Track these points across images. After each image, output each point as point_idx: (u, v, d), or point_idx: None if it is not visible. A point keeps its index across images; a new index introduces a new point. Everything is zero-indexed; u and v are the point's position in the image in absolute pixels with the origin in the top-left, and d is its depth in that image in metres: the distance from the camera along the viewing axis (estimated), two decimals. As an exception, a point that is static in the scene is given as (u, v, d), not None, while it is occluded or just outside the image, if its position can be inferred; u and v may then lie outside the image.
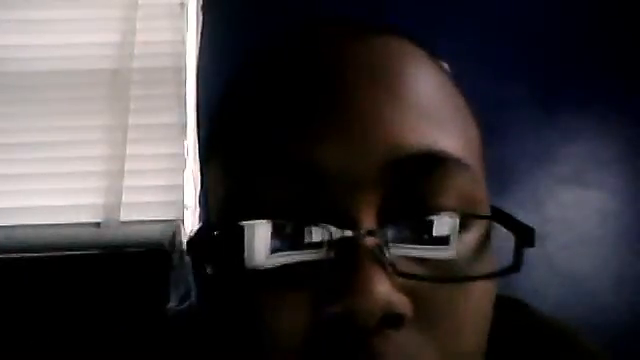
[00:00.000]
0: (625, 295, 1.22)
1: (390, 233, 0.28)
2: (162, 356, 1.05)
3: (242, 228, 0.29)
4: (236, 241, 0.29)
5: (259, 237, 0.29)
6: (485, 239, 0.31)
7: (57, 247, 1.15)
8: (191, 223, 1.19)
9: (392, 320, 0.27)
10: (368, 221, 0.28)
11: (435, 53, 0.34)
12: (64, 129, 1.23)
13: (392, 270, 0.27)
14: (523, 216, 0.31)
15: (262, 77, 0.32)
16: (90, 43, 1.29)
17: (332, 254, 0.28)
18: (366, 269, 0.27)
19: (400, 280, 0.27)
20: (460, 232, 0.29)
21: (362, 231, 0.27)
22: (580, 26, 1.34)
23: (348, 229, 0.27)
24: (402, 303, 0.27)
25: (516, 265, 0.29)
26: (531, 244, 0.29)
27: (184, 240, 1.15)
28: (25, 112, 1.24)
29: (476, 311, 0.30)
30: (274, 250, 0.29)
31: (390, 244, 0.28)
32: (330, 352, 0.27)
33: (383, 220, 0.28)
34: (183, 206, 1.18)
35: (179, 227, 1.16)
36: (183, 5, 1.31)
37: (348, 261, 0.27)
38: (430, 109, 0.30)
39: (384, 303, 0.26)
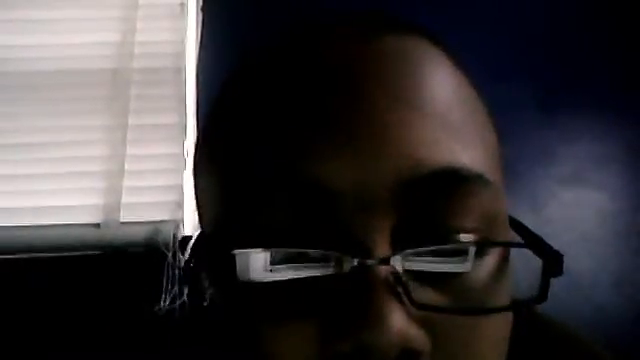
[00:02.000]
0: (625, 295, 1.22)
1: (405, 259, 0.25)
2: (161, 355, 1.05)
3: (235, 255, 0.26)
4: (231, 262, 0.26)
5: (255, 259, 0.26)
6: (505, 261, 0.28)
7: (57, 248, 1.15)
8: (191, 224, 1.19)
9: (409, 357, 0.24)
10: (382, 247, 0.25)
11: (451, 50, 0.31)
12: (64, 129, 1.23)
13: (409, 301, 0.25)
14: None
15: (262, 82, 0.29)
16: (90, 43, 1.28)
17: (340, 275, 0.25)
18: (381, 301, 0.24)
19: (417, 311, 0.25)
20: (479, 256, 0.27)
21: (376, 259, 0.24)
22: (580, 26, 1.34)
23: (360, 257, 0.24)
24: (420, 338, 0.25)
25: (543, 295, 0.26)
26: (559, 272, 0.27)
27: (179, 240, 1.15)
28: (24, 112, 1.23)
29: (495, 340, 0.27)
30: (273, 263, 0.26)
31: (405, 263, 0.25)
32: None
33: (398, 246, 0.25)
34: (183, 207, 1.18)
35: (179, 228, 1.16)
36: (183, 5, 1.31)
37: (361, 292, 0.24)
38: (450, 119, 0.27)
39: (401, 338, 0.24)
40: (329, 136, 0.25)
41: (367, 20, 0.30)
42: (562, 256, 0.27)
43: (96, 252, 1.16)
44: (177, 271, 1.11)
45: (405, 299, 0.25)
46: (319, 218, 0.25)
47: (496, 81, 1.27)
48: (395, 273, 0.25)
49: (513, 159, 1.24)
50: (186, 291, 1.10)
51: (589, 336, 0.42)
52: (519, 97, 1.27)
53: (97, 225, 1.17)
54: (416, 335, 0.24)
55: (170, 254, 1.12)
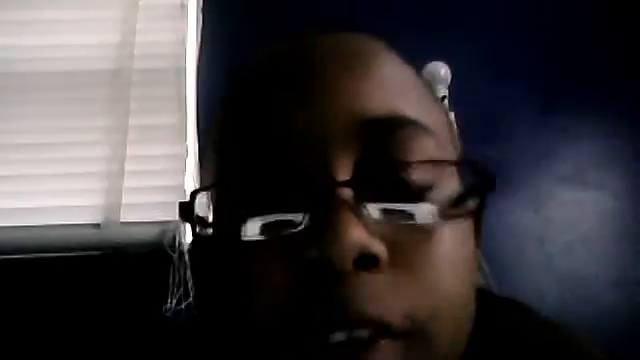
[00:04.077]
0: (625, 295, 1.22)
1: (364, 185, 0.30)
2: (161, 356, 1.05)
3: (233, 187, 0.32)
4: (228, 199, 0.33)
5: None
6: (455, 194, 0.33)
7: (57, 248, 1.15)
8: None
9: (367, 261, 0.29)
10: (343, 173, 0.30)
11: (406, 59, 0.37)
12: (64, 130, 1.23)
13: (367, 216, 0.29)
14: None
15: (263, 72, 0.36)
16: (91, 44, 1.29)
17: (308, 201, 0.30)
18: (340, 215, 0.28)
19: (375, 227, 0.29)
20: (430, 192, 0.31)
21: (337, 181, 0.30)
22: (579, 27, 1.34)
23: (325, 181, 0.30)
24: (377, 246, 0.29)
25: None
26: (493, 188, 0.31)
27: (184, 241, 1.15)
28: (25, 113, 1.24)
29: (452, 259, 0.31)
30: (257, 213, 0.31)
31: (365, 198, 0.30)
32: (310, 295, 0.29)
33: (357, 173, 0.31)
34: (183, 207, 1.18)
35: (179, 228, 1.16)
36: (183, 6, 1.31)
37: (325, 209, 0.29)
38: (393, 84, 0.34)
39: (358, 247, 0.28)
40: (296, 98, 0.32)
41: (339, 31, 0.37)
42: (494, 177, 0.31)
43: (96, 252, 1.16)
44: (183, 272, 1.11)
45: (364, 215, 0.29)
46: (292, 156, 0.31)
47: (496, 81, 1.27)
48: (355, 194, 0.29)
49: (513, 159, 1.24)
50: (192, 292, 1.10)
51: (583, 335, 0.42)
52: (519, 96, 1.28)
53: (97, 225, 1.17)
54: (374, 243, 0.29)
55: (176, 255, 1.12)
